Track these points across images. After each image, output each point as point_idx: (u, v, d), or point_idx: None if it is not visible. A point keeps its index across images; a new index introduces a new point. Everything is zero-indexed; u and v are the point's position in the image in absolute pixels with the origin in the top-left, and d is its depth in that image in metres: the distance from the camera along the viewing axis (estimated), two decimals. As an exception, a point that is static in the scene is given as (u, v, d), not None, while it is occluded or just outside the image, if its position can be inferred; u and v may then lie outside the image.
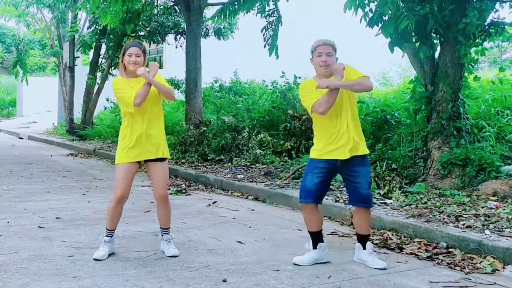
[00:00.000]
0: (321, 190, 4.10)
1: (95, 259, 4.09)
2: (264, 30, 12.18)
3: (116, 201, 4.23)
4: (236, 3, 12.53)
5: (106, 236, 4.26)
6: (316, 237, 4.19)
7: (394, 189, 6.28)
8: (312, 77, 4.22)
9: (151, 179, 4.40)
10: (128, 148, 4.20)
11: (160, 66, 25.21)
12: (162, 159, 4.29)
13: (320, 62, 4.03)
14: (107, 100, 18.12)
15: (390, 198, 6.03)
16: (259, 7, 12.22)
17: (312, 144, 4.29)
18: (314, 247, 4.17)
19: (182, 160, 9.89)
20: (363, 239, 4.17)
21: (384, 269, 3.99)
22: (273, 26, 12.13)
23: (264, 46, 12.20)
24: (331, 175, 4.16)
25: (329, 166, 4.06)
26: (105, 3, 11.83)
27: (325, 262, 4.15)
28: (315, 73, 4.20)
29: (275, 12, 12.21)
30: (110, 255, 4.21)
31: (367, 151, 4.13)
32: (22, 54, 20.51)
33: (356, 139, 4.02)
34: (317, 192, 4.07)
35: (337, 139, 4.03)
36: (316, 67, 4.11)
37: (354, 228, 5.34)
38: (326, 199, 4.41)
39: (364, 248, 4.14)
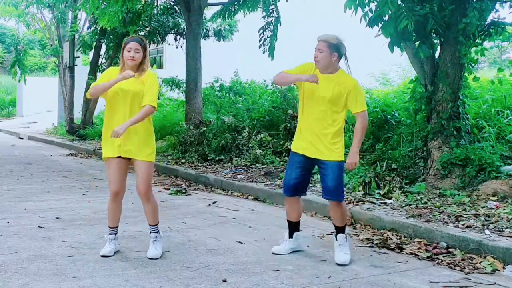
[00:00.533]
0: (301, 183, 4.28)
1: (102, 256, 4.12)
2: (261, 30, 12.17)
3: (112, 197, 4.22)
4: (236, 3, 12.53)
5: (110, 234, 4.29)
6: (293, 227, 4.41)
7: (394, 189, 6.28)
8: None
9: (135, 173, 4.27)
10: (110, 140, 4.12)
11: (160, 66, 25.22)
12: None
13: (314, 58, 4.19)
14: (105, 106, 18.04)
15: (390, 198, 6.03)
16: (262, 7, 12.22)
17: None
18: (291, 236, 4.38)
19: (182, 160, 9.89)
20: (336, 231, 4.30)
21: (345, 265, 4.06)
22: (271, 27, 12.12)
23: (259, 47, 12.17)
24: (309, 168, 4.31)
25: (304, 159, 4.23)
26: (105, 3, 11.83)
27: (323, 259, 4.24)
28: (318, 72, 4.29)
29: (274, 12, 12.21)
30: (117, 256, 4.21)
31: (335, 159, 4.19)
32: (21, 54, 20.49)
33: (319, 145, 4.16)
34: (296, 185, 4.25)
35: (305, 134, 4.21)
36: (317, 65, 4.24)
37: (354, 228, 5.36)
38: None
39: (336, 239, 4.27)
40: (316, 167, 4.34)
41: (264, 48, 12.13)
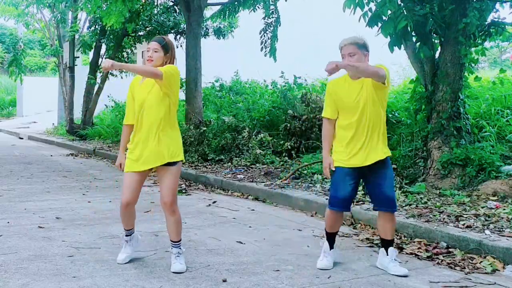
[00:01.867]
0: (352, 197, 4.03)
1: (118, 263, 4.00)
2: (262, 32, 12.18)
3: (123, 207, 3.98)
4: (236, 2, 12.54)
5: (125, 235, 4.13)
6: (334, 238, 4.15)
7: (394, 189, 6.28)
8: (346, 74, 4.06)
9: (159, 183, 4.06)
10: (130, 155, 3.92)
11: (160, 66, 25.16)
12: (169, 163, 3.88)
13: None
14: (108, 97, 18.01)
15: (390, 198, 6.02)
16: (261, 8, 12.23)
17: (313, 144, 4.29)
18: (332, 247, 4.11)
19: (182, 160, 9.88)
20: (386, 244, 4.03)
21: (406, 276, 3.84)
22: (271, 28, 12.13)
23: (261, 49, 12.19)
24: (359, 180, 4.05)
25: (357, 173, 3.95)
26: (106, 3, 11.84)
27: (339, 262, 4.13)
28: (316, 75, 4.16)
29: (274, 12, 12.22)
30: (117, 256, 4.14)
31: (388, 154, 3.98)
32: (19, 54, 20.46)
33: (375, 144, 3.90)
34: (348, 200, 3.99)
35: (354, 144, 3.91)
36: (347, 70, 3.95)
37: (354, 228, 5.35)
38: (327, 199, 4.40)
39: (387, 254, 4.00)
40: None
41: (265, 51, 12.16)
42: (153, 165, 3.90)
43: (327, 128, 4.11)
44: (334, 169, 3.99)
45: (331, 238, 4.12)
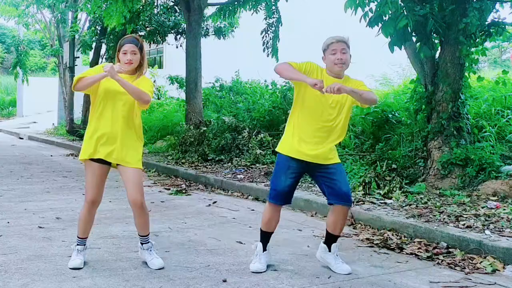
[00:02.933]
0: (293, 191, 3.97)
1: (72, 268, 3.81)
2: (263, 33, 12.18)
3: (88, 206, 3.88)
4: (235, 2, 12.53)
5: (78, 245, 3.95)
6: (269, 239, 4.07)
7: (394, 189, 6.28)
8: (325, 67, 3.95)
9: (124, 182, 3.95)
10: (93, 141, 3.82)
11: (160, 66, 25.23)
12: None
13: (336, 60, 3.80)
14: None
15: (390, 198, 6.03)
16: (263, 8, 12.23)
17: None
18: (265, 249, 4.03)
19: (182, 160, 9.89)
20: (332, 240, 3.98)
21: (349, 274, 3.85)
22: (273, 28, 12.14)
23: (263, 50, 12.19)
24: (302, 175, 4.01)
25: (300, 165, 3.88)
26: (106, 3, 11.84)
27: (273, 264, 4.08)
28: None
29: (275, 12, 12.22)
30: (117, 256, 4.17)
31: (338, 161, 3.94)
32: (22, 55, 20.48)
33: (329, 150, 3.87)
34: (289, 194, 3.94)
35: (317, 140, 3.85)
36: (329, 65, 3.87)
37: (354, 228, 5.35)
38: (327, 199, 4.39)
39: (330, 250, 3.98)
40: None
41: (268, 51, 12.16)
42: (119, 162, 3.89)
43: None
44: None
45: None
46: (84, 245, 3.97)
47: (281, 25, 12.22)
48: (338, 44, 3.83)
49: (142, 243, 4.00)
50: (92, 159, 3.88)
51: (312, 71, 3.87)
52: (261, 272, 3.90)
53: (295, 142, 3.89)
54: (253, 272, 3.90)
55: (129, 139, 3.88)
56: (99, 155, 3.84)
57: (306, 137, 3.86)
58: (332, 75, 3.88)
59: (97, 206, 3.96)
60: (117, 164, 3.90)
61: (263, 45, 12.20)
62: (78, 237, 3.96)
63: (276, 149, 4.03)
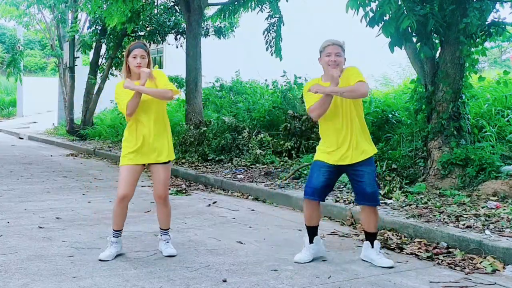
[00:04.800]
0: (326, 188, 4.17)
1: (100, 260, 4.05)
2: (266, 32, 12.20)
3: (118, 200, 4.15)
4: (236, 2, 12.54)
5: (113, 236, 4.21)
6: (314, 232, 4.27)
7: (394, 189, 6.28)
8: (320, 75, 4.21)
9: (152, 178, 4.31)
10: (132, 152, 4.13)
11: (160, 66, 25.23)
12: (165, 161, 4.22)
13: (329, 62, 4.02)
14: (111, 102, 18.17)
15: (390, 198, 6.03)
16: (264, 8, 12.24)
17: (313, 144, 4.31)
18: (311, 241, 4.22)
19: (182, 160, 9.89)
20: (370, 237, 4.17)
21: (392, 267, 4.01)
22: (275, 27, 12.16)
23: (267, 49, 12.22)
24: (336, 175, 4.21)
25: (334, 168, 4.12)
26: (106, 3, 11.84)
27: (323, 259, 4.21)
28: (319, 72, 4.21)
29: (276, 12, 12.24)
30: (117, 256, 4.19)
31: (371, 153, 4.13)
32: (17, 54, 20.45)
33: (359, 144, 4.06)
34: (322, 190, 4.13)
35: (340, 144, 4.07)
36: (324, 66, 4.09)
37: (354, 228, 5.35)
38: (326, 199, 4.40)
39: (372, 246, 4.14)
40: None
41: (271, 50, 12.19)
42: (150, 161, 4.20)
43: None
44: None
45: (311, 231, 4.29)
46: (117, 237, 4.22)
47: (283, 25, 12.24)
48: (333, 47, 4.05)
49: (161, 234, 4.37)
50: None
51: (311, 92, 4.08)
52: (304, 263, 4.10)
53: (324, 150, 4.16)
54: (296, 262, 4.11)
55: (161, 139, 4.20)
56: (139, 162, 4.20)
57: (332, 143, 4.11)
58: (328, 80, 4.04)
59: (128, 200, 4.20)
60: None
61: (266, 44, 12.22)
62: (113, 229, 4.24)
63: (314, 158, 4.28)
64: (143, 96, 4.08)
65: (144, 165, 4.22)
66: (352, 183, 4.19)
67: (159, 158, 4.17)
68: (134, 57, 4.11)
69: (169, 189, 7.60)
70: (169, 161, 4.24)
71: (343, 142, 4.06)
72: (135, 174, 4.16)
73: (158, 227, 5.09)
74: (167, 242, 4.32)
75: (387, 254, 4.45)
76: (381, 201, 5.89)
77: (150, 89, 4.07)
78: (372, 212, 4.14)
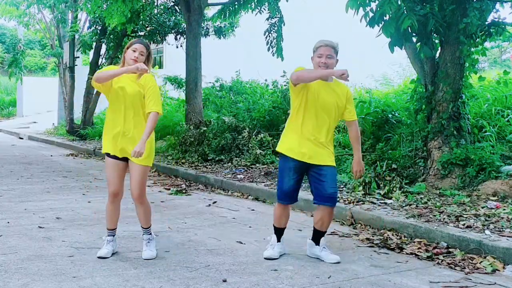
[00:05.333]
0: (296, 191, 4.27)
1: (99, 257, 4.10)
2: (267, 33, 12.21)
3: (110, 199, 4.18)
4: (236, 2, 12.54)
5: (108, 235, 4.25)
6: (282, 233, 4.37)
7: (394, 189, 6.28)
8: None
9: (130, 175, 4.23)
10: (109, 138, 4.11)
11: (160, 66, 25.22)
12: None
13: (320, 63, 4.09)
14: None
15: (390, 198, 6.03)
16: (268, 9, 12.25)
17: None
18: (279, 240, 4.35)
19: (182, 160, 9.89)
20: (319, 236, 4.27)
21: (338, 262, 4.12)
22: (275, 28, 12.17)
23: (268, 49, 12.22)
24: (303, 173, 4.26)
25: (301, 165, 4.16)
26: (106, 3, 11.83)
27: (284, 254, 4.36)
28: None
29: (277, 12, 12.25)
30: (112, 254, 4.22)
31: (333, 164, 4.20)
32: (19, 54, 20.45)
33: (326, 149, 4.15)
34: (292, 193, 4.24)
35: (308, 140, 4.11)
36: (315, 66, 4.16)
37: (354, 228, 5.35)
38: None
39: (318, 244, 4.26)
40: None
41: (272, 50, 12.19)
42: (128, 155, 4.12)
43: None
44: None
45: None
46: (113, 236, 4.26)
47: (284, 25, 12.25)
48: (326, 48, 4.11)
49: (142, 234, 4.31)
50: (108, 155, 4.20)
51: (318, 85, 4.15)
52: (274, 259, 4.19)
53: (295, 143, 4.16)
54: (265, 258, 4.20)
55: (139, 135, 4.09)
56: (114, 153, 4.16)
57: (308, 137, 4.12)
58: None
59: (119, 198, 4.24)
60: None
61: (267, 45, 12.23)
62: (107, 229, 4.26)
63: (277, 149, 4.31)
64: (126, 86, 4.04)
65: (126, 162, 4.15)
66: (312, 182, 4.21)
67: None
68: (134, 51, 4.09)
69: (169, 189, 7.63)
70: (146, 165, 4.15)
71: (319, 138, 4.09)
72: (119, 171, 4.15)
73: (157, 227, 5.12)
74: (148, 242, 4.25)
75: (387, 254, 4.46)
76: (381, 201, 5.91)
77: (143, 137, 4.02)
78: (330, 213, 4.19)
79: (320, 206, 4.19)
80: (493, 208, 5.38)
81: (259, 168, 8.68)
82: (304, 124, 4.11)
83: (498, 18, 6.68)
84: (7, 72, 21.78)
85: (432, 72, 6.86)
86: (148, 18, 14.73)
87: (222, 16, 13.09)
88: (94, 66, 16.78)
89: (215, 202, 6.78)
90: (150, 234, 4.28)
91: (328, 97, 4.10)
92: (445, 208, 5.42)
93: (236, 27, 16.11)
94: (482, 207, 5.44)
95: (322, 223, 4.22)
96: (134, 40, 4.22)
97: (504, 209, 5.31)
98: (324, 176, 4.11)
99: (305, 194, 6.55)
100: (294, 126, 4.17)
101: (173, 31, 15.78)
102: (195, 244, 4.67)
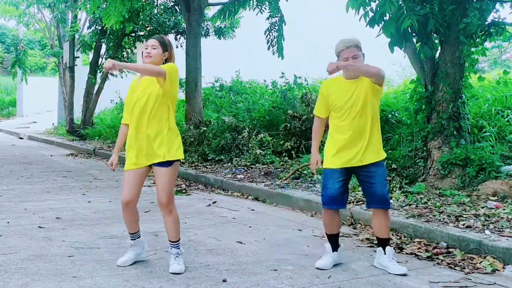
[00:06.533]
0: (344, 194, 4.02)
1: (118, 266, 3.93)
2: (267, 32, 12.21)
3: (122, 207, 3.93)
4: (236, 2, 12.54)
5: (130, 239, 4.04)
6: (335, 239, 4.12)
7: (394, 189, 6.28)
8: (339, 75, 4.09)
9: (155, 183, 3.98)
10: (130, 155, 3.88)
11: (160, 66, 25.18)
12: (164, 164, 3.80)
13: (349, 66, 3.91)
14: (111, 101, 18.21)
15: (390, 198, 6.02)
16: (268, 8, 12.26)
17: (311, 144, 4.28)
18: (335, 249, 4.09)
19: (182, 160, 9.88)
20: (383, 243, 4.02)
21: (405, 275, 3.85)
22: (276, 27, 12.17)
23: (268, 48, 12.23)
24: (348, 177, 4.07)
25: (345, 171, 3.98)
26: (106, 3, 11.84)
27: (339, 264, 4.12)
28: (316, 75, 4.20)
29: (278, 11, 12.25)
30: (117, 256, 4.11)
31: (383, 156, 4.02)
32: (21, 54, 20.47)
33: (371, 146, 3.94)
34: (339, 197, 3.99)
35: (351, 144, 3.93)
36: (343, 70, 3.98)
37: (354, 228, 5.35)
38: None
39: (385, 253, 3.99)
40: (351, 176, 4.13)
41: (273, 50, 12.19)
42: (148, 163, 3.87)
43: (317, 126, 4.23)
44: (321, 166, 4.06)
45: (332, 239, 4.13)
46: (134, 239, 4.02)
47: (285, 24, 12.25)
48: (349, 50, 3.92)
49: (170, 247, 3.95)
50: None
51: (328, 93, 4.07)
52: (326, 270, 3.96)
53: (331, 153, 4.01)
54: (317, 268, 3.97)
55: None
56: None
57: (340, 143, 3.97)
58: (349, 77, 4.00)
59: (131, 206, 3.94)
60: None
61: (267, 44, 12.22)
62: (129, 233, 4.05)
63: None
64: (138, 99, 3.81)
65: (149, 167, 3.90)
66: (362, 186, 4.04)
67: (155, 159, 3.81)
68: (146, 47, 3.87)
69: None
70: (169, 163, 3.81)
71: (355, 142, 3.92)
72: (136, 177, 3.87)
73: (158, 227, 5.12)
74: (176, 257, 3.86)
75: (387, 254, 4.46)
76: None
77: (135, 65, 3.84)
78: (385, 216, 3.97)
79: (374, 211, 4.01)
80: (493, 208, 5.38)
81: (259, 168, 8.68)
82: (340, 132, 4.01)
83: (498, 18, 6.68)
84: (7, 72, 21.77)
85: (432, 72, 6.86)
86: (148, 18, 14.72)
87: (222, 16, 13.09)
88: (94, 66, 16.78)
89: (215, 202, 6.78)
90: (179, 248, 3.90)
91: (345, 97, 3.98)
92: (445, 208, 5.42)
93: (236, 28, 16.11)
94: (482, 207, 5.44)
95: (379, 228, 4.00)
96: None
97: (504, 209, 5.31)
98: (373, 178, 3.91)
99: (305, 194, 6.56)
100: (333, 138, 4.05)
101: (173, 31, 15.77)
102: (195, 244, 4.67)
